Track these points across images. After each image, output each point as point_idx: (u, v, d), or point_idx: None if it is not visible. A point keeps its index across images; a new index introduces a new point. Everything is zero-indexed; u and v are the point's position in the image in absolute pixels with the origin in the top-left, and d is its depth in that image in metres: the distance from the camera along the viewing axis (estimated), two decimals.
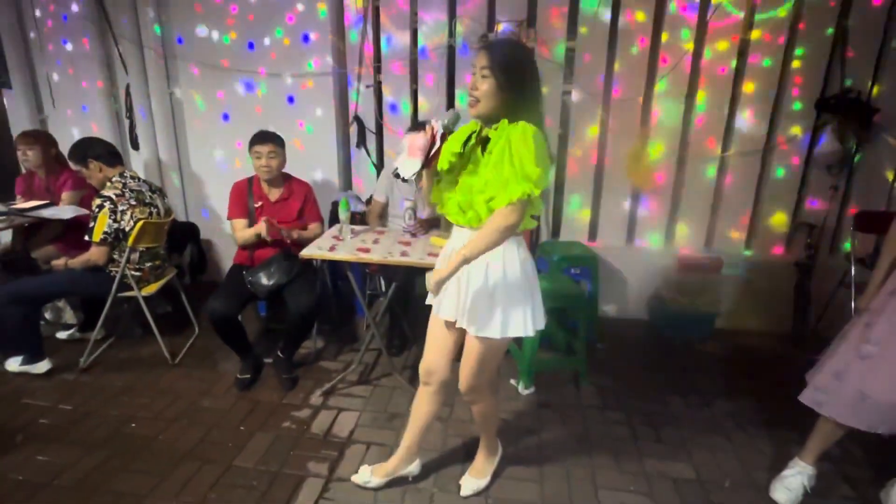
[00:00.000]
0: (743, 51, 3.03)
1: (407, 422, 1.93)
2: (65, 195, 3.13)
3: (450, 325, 1.70)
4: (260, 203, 2.76)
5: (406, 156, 1.55)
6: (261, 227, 2.61)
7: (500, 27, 3.15)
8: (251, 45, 3.44)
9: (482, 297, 1.55)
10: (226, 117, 3.64)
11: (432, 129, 1.52)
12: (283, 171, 2.80)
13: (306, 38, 3.38)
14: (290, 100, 3.51)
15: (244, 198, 2.76)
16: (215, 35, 3.47)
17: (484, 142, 1.52)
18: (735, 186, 3.27)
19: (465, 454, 2.14)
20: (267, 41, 3.42)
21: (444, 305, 1.65)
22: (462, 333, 1.68)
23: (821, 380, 1.81)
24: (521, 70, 1.47)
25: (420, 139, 1.51)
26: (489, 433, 1.95)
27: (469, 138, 1.56)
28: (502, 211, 1.43)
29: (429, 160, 1.54)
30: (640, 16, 3.06)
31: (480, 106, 1.48)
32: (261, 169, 2.69)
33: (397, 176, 1.57)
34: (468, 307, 1.58)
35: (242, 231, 2.71)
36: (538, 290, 1.64)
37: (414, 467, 1.99)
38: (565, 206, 3.47)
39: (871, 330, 1.72)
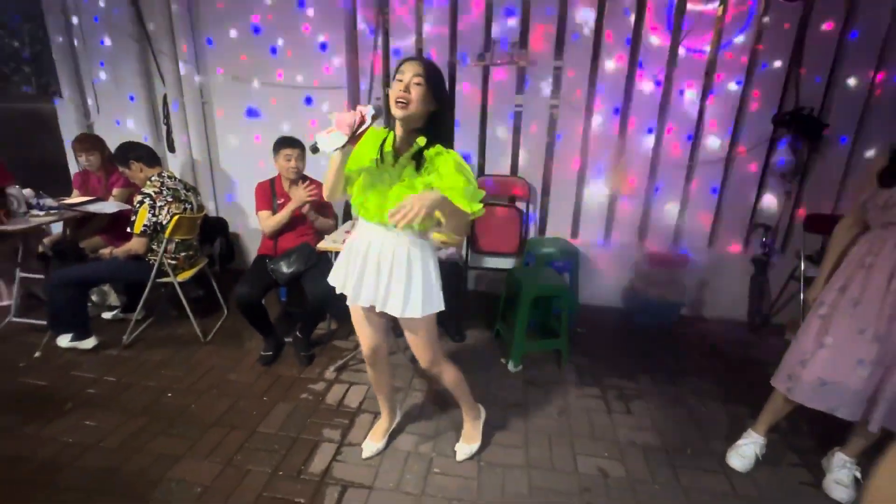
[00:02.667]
0: (709, 71, 3.02)
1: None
2: (116, 192, 3.12)
3: (371, 308, 1.66)
4: (282, 200, 2.76)
5: (330, 130, 1.40)
6: (294, 203, 2.65)
7: (497, 46, 3.13)
8: (273, 50, 3.42)
9: (402, 283, 1.56)
10: (251, 114, 3.61)
11: (361, 112, 1.40)
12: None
13: (324, 47, 3.36)
14: (308, 100, 3.49)
15: (268, 194, 2.77)
16: (240, 53, 3.45)
17: (417, 157, 1.46)
18: (700, 191, 3.27)
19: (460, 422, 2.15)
20: (287, 51, 3.40)
21: (363, 296, 1.61)
22: (383, 314, 1.68)
23: (789, 368, 1.81)
24: (444, 86, 1.48)
25: (348, 117, 1.39)
26: (466, 398, 1.95)
27: (382, 144, 1.52)
28: (467, 217, 1.44)
29: (354, 137, 1.41)
30: (615, 38, 3.04)
31: (411, 108, 1.40)
32: (289, 170, 2.69)
33: (315, 150, 1.41)
34: (391, 296, 1.57)
35: (269, 219, 2.71)
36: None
37: (398, 416, 2.13)
38: (550, 207, 3.47)
39: (829, 322, 1.72)
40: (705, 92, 3.06)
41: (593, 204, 3.41)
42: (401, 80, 1.41)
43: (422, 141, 1.46)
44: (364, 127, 1.40)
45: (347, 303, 1.70)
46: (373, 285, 1.59)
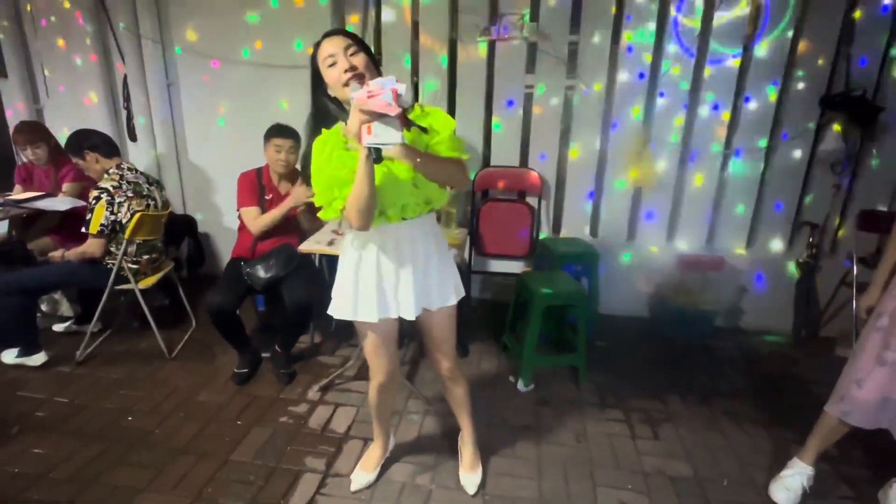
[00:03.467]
0: (748, 44, 3.02)
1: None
2: (66, 186, 3.13)
3: (392, 322, 1.67)
4: (270, 196, 2.77)
5: (367, 125, 1.23)
6: (290, 202, 2.67)
7: (502, 20, 3.13)
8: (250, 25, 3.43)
9: (438, 272, 1.63)
10: (224, 97, 3.62)
11: (386, 87, 1.22)
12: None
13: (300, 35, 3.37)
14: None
15: (255, 187, 2.76)
16: (214, 27, 3.46)
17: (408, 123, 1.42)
18: (737, 183, 3.27)
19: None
20: (264, 28, 3.41)
21: (404, 307, 1.60)
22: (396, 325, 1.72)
23: (843, 389, 1.80)
24: (370, 49, 1.51)
25: (377, 100, 1.21)
26: (470, 415, 1.99)
27: None
28: (460, 163, 1.49)
29: (406, 120, 1.30)
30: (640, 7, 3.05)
31: (368, 78, 1.38)
32: (278, 162, 2.70)
33: (380, 158, 1.28)
34: (435, 289, 1.63)
35: (259, 218, 2.70)
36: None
37: (392, 444, 2.13)
38: (566, 202, 3.47)
39: (890, 335, 1.70)
40: (742, 71, 3.05)
41: (615, 199, 3.41)
42: (335, 63, 1.39)
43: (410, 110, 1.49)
44: (403, 98, 1.25)
45: (367, 331, 1.67)
46: (412, 289, 1.59)
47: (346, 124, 1.37)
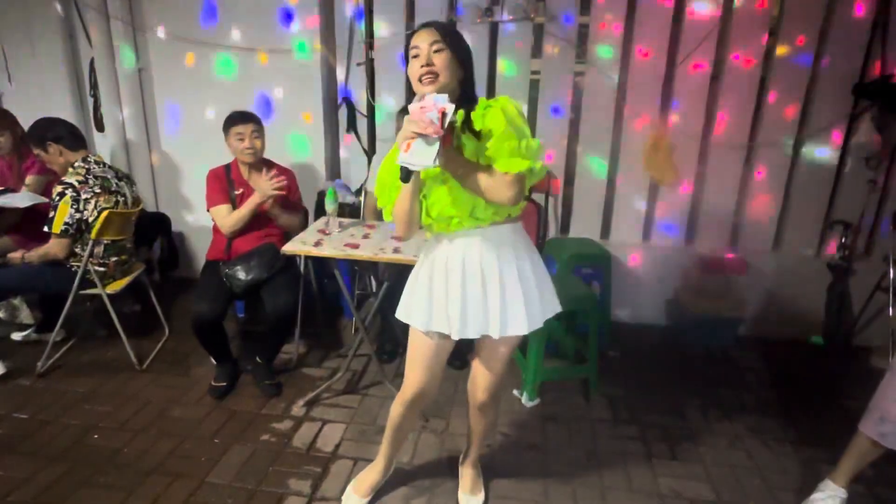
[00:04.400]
0: (774, 28, 3.03)
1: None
2: (29, 179, 3.12)
3: (446, 345, 1.69)
4: (241, 190, 2.76)
5: (407, 142, 1.33)
6: (257, 198, 2.63)
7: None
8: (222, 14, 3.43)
9: (516, 292, 1.59)
10: (201, 84, 3.63)
11: (435, 104, 1.33)
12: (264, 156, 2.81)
13: (289, 16, 3.38)
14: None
15: (223, 184, 2.75)
16: (190, 8, 3.47)
17: (469, 127, 1.47)
18: (762, 179, 3.28)
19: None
20: (244, 10, 3.42)
21: (471, 326, 1.60)
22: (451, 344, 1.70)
23: (881, 409, 1.80)
24: (467, 46, 1.53)
25: (420, 115, 1.32)
26: (483, 440, 2.01)
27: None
28: (504, 178, 1.43)
29: (445, 138, 1.37)
30: None
31: (441, 79, 1.44)
32: (244, 152, 2.69)
33: (408, 177, 1.39)
34: (509, 310, 1.59)
35: (228, 216, 2.70)
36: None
37: (392, 469, 2.10)
38: (575, 200, 3.47)
39: None
40: (769, 54, 3.06)
41: (629, 196, 3.42)
42: (417, 55, 1.45)
43: (460, 116, 1.47)
44: (449, 118, 1.34)
45: (424, 337, 1.67)
46: (481, 310, 1.59)
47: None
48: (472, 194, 1.47)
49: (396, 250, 2.31)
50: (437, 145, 1.31)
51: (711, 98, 3.18)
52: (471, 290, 1.57)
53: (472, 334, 1.60)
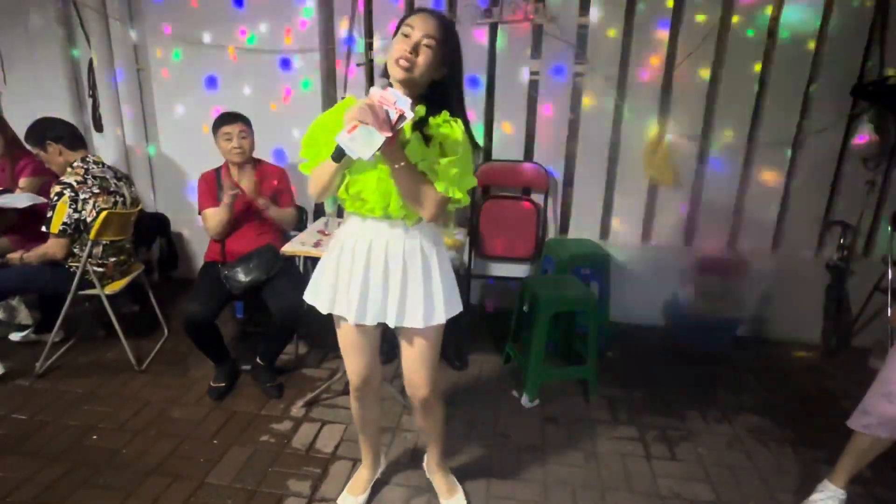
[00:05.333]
0: (772, 29, 3.04)
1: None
2: (23, 181, 3.11)
3: (369, 327, 1.69)
4: (235, 191, 2.75)
5: (352, 125, 1.29)
6: (227, 199, 2.63)
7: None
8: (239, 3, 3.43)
9: (417, 285, 1.59)
10: (200, 84, 3.62)
11: (392, 101, 1.31)
12: (253, 155, 2.82)
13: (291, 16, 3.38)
14: (285, 63, 3.50)
15: (213, 187, 2.76)
16: (190, 7, 3.46)
17: (420, 128, 1.47)
18: (761, 180, 3.28)
19: (462, 469, 2.15)
20: (245, 10, 3.42)
21: (370, 313, 1.61)
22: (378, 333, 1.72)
23: (870, 403, 1.81)
24: (459, 51, 1.49)
25: (374, 108, 1.29)
26: (440, 441, 1.98)
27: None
28: (436, 196, 1.47)
29: (394, 135, 1.34)
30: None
31: (415, 72, 1.41)
32: (232, 152, 2.69)
33: (339, 157, 1.35)
34: (408, 302, 1.60)
35: (213, 216, 2.70)
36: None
37: (383, 465, 2.12)
38: (574, 200, 3.48)
39: None
40: (767, 54, 3.07)
41: (628, 197, 3.43)
42: (407, 37, 1.41)
43: (421, 110, 1.46)
44: (404, 123, 1.33)
45: (343, 323, 1.68)
46: (380, 297, 1.60)
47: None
48: (396, 191, 1.47)
49: None
50: (381, 141, 1.29)
51: (710, 98, 3.18)
52: (373, 277, 1.58)
53: (369, 321, 1.61)
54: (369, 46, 3.42)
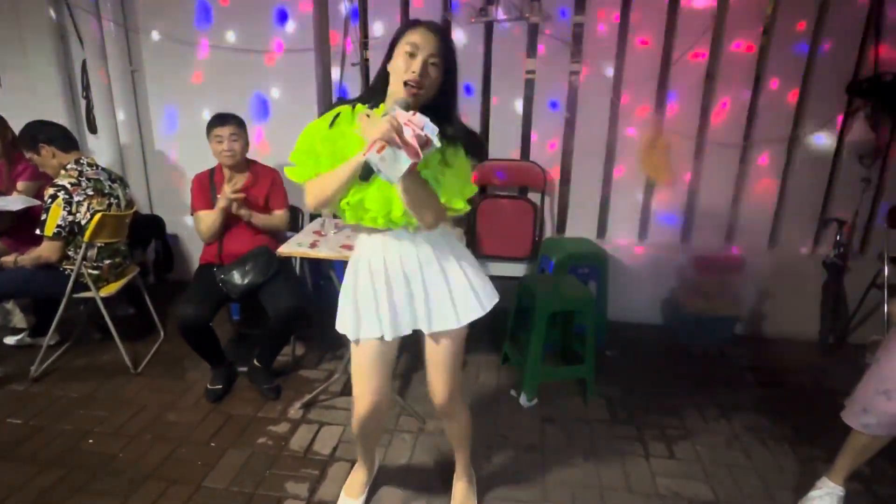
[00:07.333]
0: (768, 27, 3.04)
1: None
2: (21, 185, 3.09)
3: (387, 343, 1.66)
4: None
5: (380, 146, 1.26)
6: (222, 202, 2.62)
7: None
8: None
9: (441, 288, 1.60)
10: (195, 86, 3.61)
11: (417, 128, 1.29)
12: (247, 156, 2.80)
13: (283, 16, 3.36)
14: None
15: (206, 189, 2.75)
16: (184, 7, 3.45)
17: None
18: (758, 178, 3.28)
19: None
20: (238, 11, 3.41)
21: (402, 324, 1.61)
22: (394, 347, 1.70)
23: (865, 399, 1.81)
24: (455, 58, 1.48)
25: (416, 129, 1.28)
26: (468, 452, 1.96)
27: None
28: (439, 206, 1.48)
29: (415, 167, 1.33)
30: None
31: (425, 94, 1.41)
32: (223, 154, 2.68)
33: (367, 177, 1.36)
34: (434, 306, 1.60)
35: (205, 219, 2.69)
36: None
37: (377, 464, 2.13)
38: (571, 199, 3.47)
39: None
40: (762, 53, 3.07)
41: (625, 196, 3.43)
42: (412, 55, 1.39)
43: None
44: (430, 150, 1.32)
45: (362, 343, 1.65)
46: (408, 307, 1.60)
47: (370, 113, 1.44)
48: (397, 198, 1.44)
49: None
50: (407, 166, 1.27)
51: (707, 96, 3.19)
52: (397, 291, 1.59)
53: (403, 331, 1.62)
54: (364, 46, 3.42)
